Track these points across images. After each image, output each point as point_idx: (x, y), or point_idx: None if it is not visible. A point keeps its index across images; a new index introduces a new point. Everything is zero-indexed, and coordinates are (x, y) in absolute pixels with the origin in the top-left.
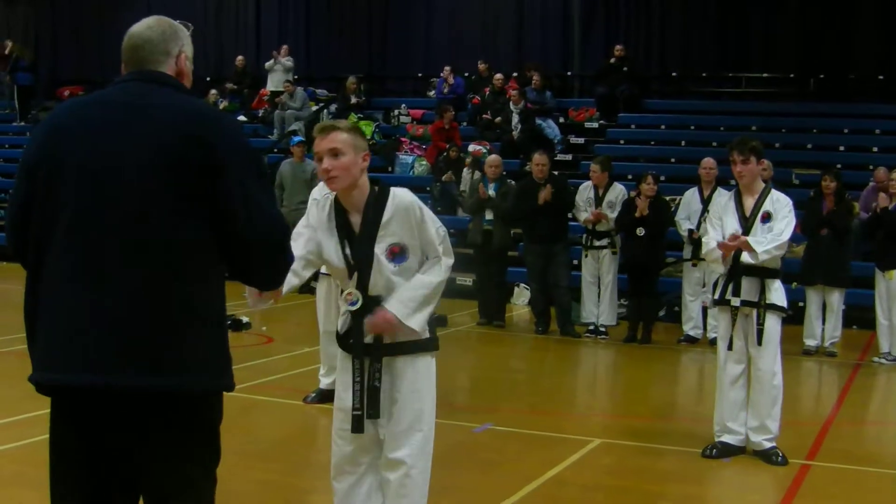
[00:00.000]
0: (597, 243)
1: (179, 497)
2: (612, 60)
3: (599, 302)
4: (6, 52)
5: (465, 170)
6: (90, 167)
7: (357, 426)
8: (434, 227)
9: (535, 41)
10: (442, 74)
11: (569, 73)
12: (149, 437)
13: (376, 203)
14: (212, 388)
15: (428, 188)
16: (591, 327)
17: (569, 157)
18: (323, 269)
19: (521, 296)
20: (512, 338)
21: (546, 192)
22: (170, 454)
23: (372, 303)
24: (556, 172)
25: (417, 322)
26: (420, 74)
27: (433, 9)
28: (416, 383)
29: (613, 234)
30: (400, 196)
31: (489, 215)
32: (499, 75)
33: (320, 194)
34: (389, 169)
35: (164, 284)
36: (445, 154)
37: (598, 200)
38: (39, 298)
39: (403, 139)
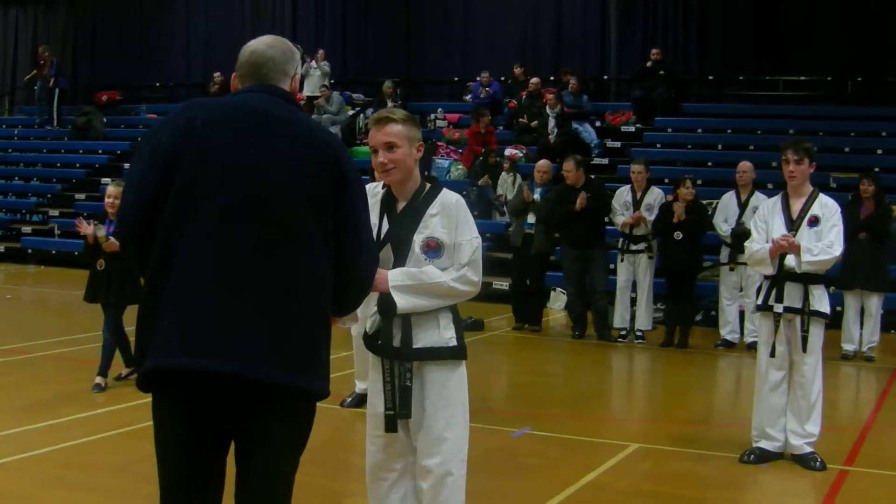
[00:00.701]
0: (633, 247)
1: (278, 488)
2: (649, 64)
3: (636, 306)
4: (41, 59)
5: (503, 174)
6: (238, 167)
7: (390, 426)
8: (469, 234)
9: (572, 45)
10: (479, 78)
11: (605, 77)
12: (264, 428)
13: (427, 195)
14: (324, 392)
15: (464, 192)
16: (624, 332)
17: (605, 160)
18: None
19: (558, 300)
20: (548, 342)
21: (581, 199)
22: (279, 448)
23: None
24: (592, 176)
25: (402, 300)
26: (456, 78)
27: (470, 13)
28: (444, 390)
29: (650, 238)
30: (449, 194)
31: (531, 219)
32: (535, 79)
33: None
34: (426, 173)
35: (305, 288)
36: (482, 158)
37: (636, 204)
38: (168, 288)
39: (440, 143)
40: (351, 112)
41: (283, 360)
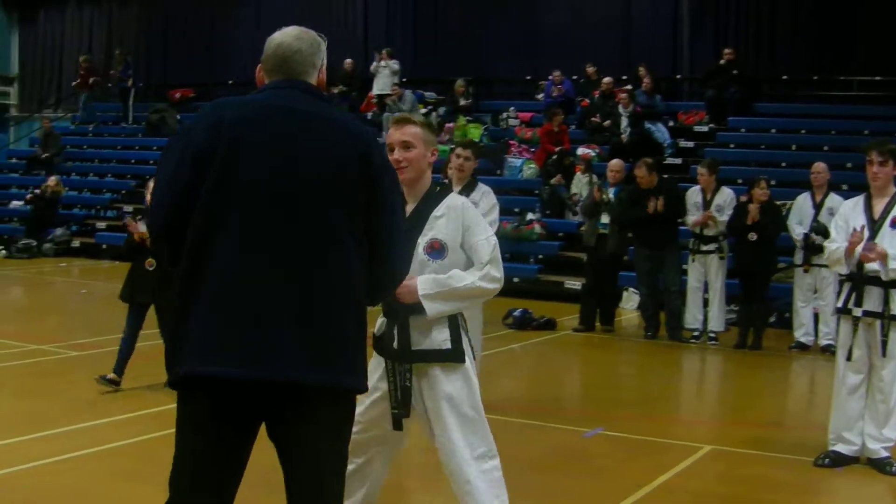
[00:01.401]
0: (704, 248)
1: (328, 484)
2: (722, 62)
3: (708, 307)
4: (81, 69)
5: (577, 173)
6: (267, 166)
7: (397, 425)
8: (484, 234)
9: (643, 44)
10: (551, 77)
11: (678, 76)
12: (304, 429)
13: (434, 198)
14: (361, 387)
15: (536, 191)
16: (696, 333)
17: (678, 160)
18: None
19: (630, 300)
20: (620, 342)
21: (659, 204)
22: (322, 446)
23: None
24: (665, 176)
25: (433, 308)
26: (529, 77)
27: (542, 11)
28: (443, 393)
29: (721, 238)
30: (457, 197)
31: (604, 219)
32: (608, 78)
33: None
34: (498, 172)
35: (338, 286)
36: (554, 157)
37: (707, 204)
38: (200, 291)
39: (512, 142)
40: (423, 110)
41: (316, 359)
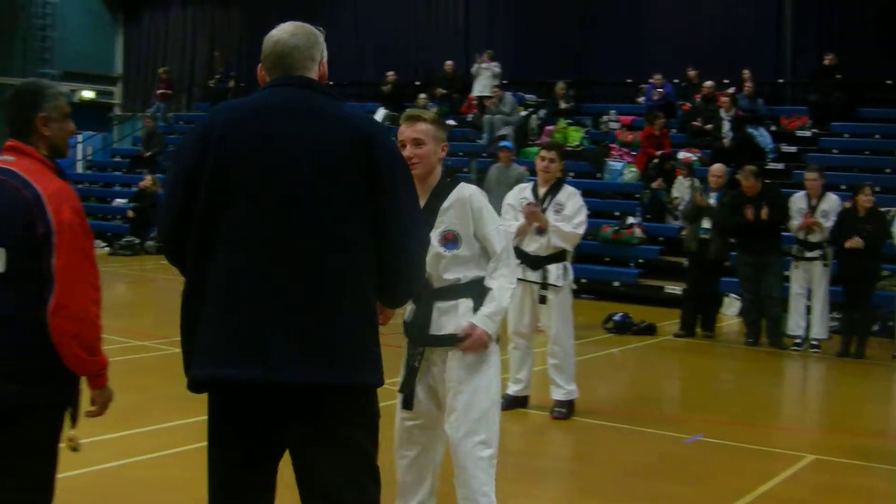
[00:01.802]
0: (808, 254)
1: (349, 488)
2: (826, 63)
3: (810, 314)
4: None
5: (679, 177)
6: (263, 168)
7: (406, 403)
8: (493, 224)
9: (745, 47)
10: (651, 80)
11: (780, 81)
12: (323, 429)
13: (442, 191)
14: (369, 382)
15: (637, 195)
16: (798, 340)
17: (780, 166)
18: (518, 274)
19: (731, 306)
20: (721, 348)
21: (763, 212)
22: (342, 445)
23: (422, 288)
24: (767, 181)
25: (495, 333)
26: (629, 80)
27: (643, 14)
28: (462, 375)
29: (825, 245)
30: (463, 188)
31: (705, 223)
32: (709, 82)
33: (515, 199)
34: (598, 175)
35: (339, 283)
36: (655, 161)
37: (812, 210)
38: (207, 297)
39: (612, 145)
40: (523, 113)
41: (312, 358)
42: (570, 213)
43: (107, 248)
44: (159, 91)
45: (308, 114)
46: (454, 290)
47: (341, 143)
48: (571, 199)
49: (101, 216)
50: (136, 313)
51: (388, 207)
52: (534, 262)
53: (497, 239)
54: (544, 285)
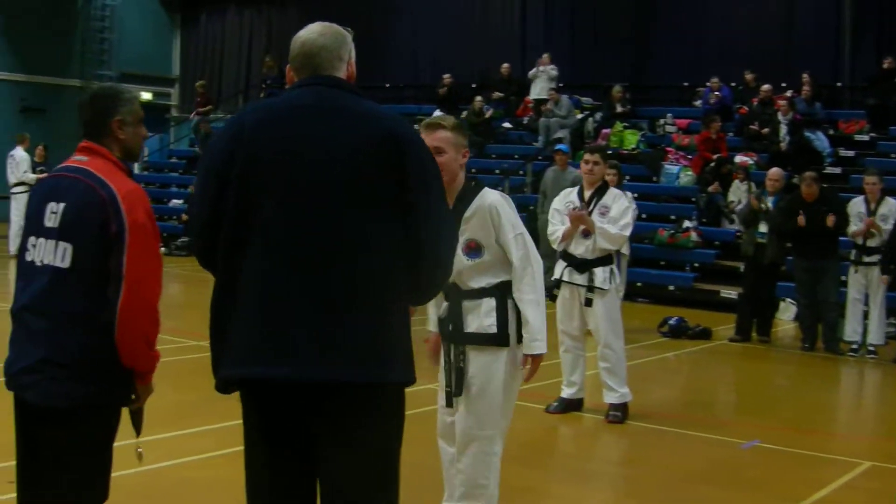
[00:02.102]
0: (866, 259)
1: (361, 490)
2: (885, 66)
3: (868, 320)
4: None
5: (736, 181)
6: (290, 169)
7: (448, 401)
8: (512, 232)
9: (803, 51)
10: (708, 84)
11: (838, 84)
12: (342, 428)
13: (465, 198)
14: (394, 379)
15: (693, 199)
16: (855, 346)
17: (838, 170)
18: (565, 277)
19: (787, 311)
20: (776, 353)
21: (829, 220)
22: (359, 446)
23: (450, 289)
24: (825, 185)
25: (545, 344)
26: (686, 84)
27: (700, 17)
28: (482, 371)
29: (884, 249)
30: (486, 196)
31: (762, 227)
32: (767, 86)
33: (561, 203)
34: (654, 178)
35: (363, 284)
36: (712, 165)
37: (871, 214)
38: (236, 298)
39: (669, 149)
40: (580, 116)
41: (339, 357)
42: (616, 216)
43: (163, 249)
44: (197, 106)
45: (335, 113)
46: (479, 293)
47: (368, 142)
48: (617, 202)
49: (158, 217)
50: (190, 314)
51: (418, 205)
52: (580, 264)
53: (514, 248)
54: (590, 288)
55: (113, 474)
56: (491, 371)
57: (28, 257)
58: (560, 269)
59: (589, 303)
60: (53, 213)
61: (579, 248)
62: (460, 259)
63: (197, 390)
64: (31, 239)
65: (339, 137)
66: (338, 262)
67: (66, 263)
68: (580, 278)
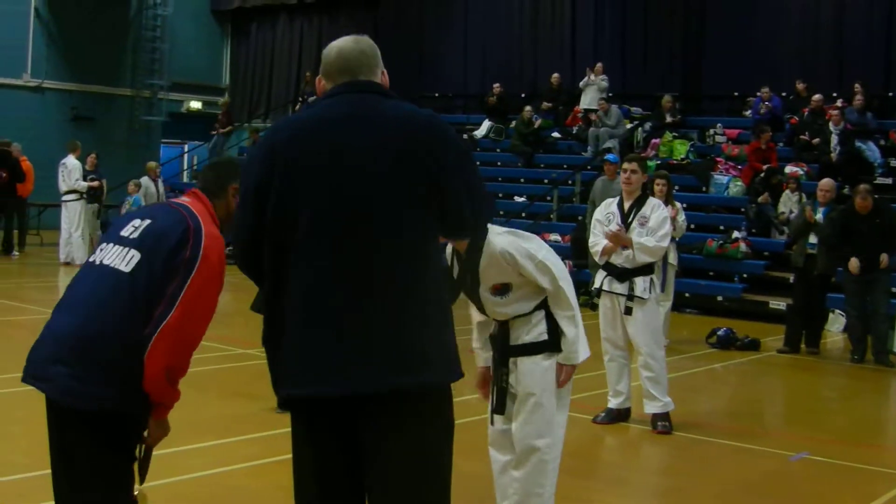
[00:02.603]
0: None
1: (416, 494)
2: None
3: None
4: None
5: (786, 192)
6: (323, 183)
7: (491, 419)
8: (531, 263)
9: (854, 60)
10: (759, 94)
11: (890, 94)
12: (391, 434)
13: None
14: (437, 382)
15: (742, 209)
16: None
17: (889, 180)
18: (605, 286)
19: (836, 322)
20: (825, 365)
21: (883, 260)
22: (409, 448)
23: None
24: (877, 196)
25: (584, 353)
26: (736, 94)
27: (750, 27)
28: (535, 379)
29: None
30: (492, 244)
31: (812, 238)
32: (818, 95)
33: (602, 214)
34: (703, 189)
35: (409, 289)
36: (762, 175)
37: None
38: (285, 314)
39: (719, 159)
40: (629, 126)
41: (381, 367)
42: (654, 226)
43: None
44: (219, 126)
45: (369, 122)
46: (521, 318)
47: (401, 141)
48: (656, 212)
49: None
50: (239, 321)
51: (458, 193)
52: (621, 273)
53: (540, 276)
54: (630, 297)
55: (163, 480)
56: (546, 380)
57: (91, 258)
58: (600, 278)
59: (629, 311)
60: (135, 227)
61: (619, 258)
62: (490, 301)
63: (244, 398)
64: (102, 245)
65: (373, 147)
66: (376, 277)
67: (127, 268)
68: (620, 287)
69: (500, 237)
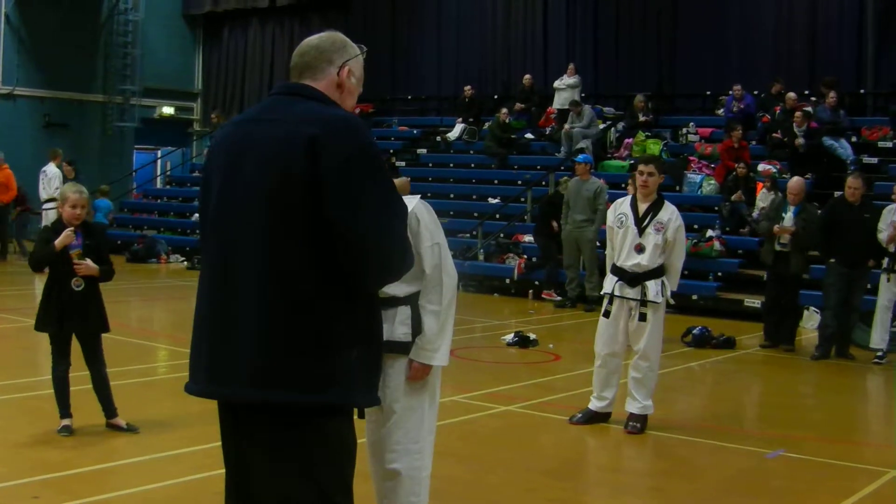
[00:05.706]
0: None
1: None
2: None
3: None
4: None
5: (762, 190)
6: (223, 182)
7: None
8: (430, 241)
9: (827, 58)
10: (731, 92)
11: (862, 91)
12: (263, 449)
13: None
14: (314, 402)
15: (716, 207)
16: (881, 354)
17: None
18: (616, 291)
19: (811, 319)
20: (801, 362)
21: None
22: (278, 467)
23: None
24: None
25: (442, 357)
26: (709, 92)
27: (722, 26)
28: (400, 381)
29: None
30: (413, 206)
31: (784, 238)
32: (792, 94)
33: (613, 217)
34: (677, 188)
35: (285, 301)
36: (734, 173)
37: None
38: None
39: (692, 158)
40: (602, 126)
41: (254, 375)
42: (672, 237)
43: (185, 263)
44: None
45: (268, 125)
46: (392, 302)
47: (288, 156)
48: (672, 222)
49: (181, 231)
50: None
51: (342, 217)
52: (632, 279)
53: (429, 257)
54: (643, 302)
55: (148, 486)
56: (415, 391)
57: None
58: (611, 283)
59: (643, 317)
60: None
61: (630, 262)
62: None
63: None
64: None
65: (266, 153)
66: (254, 287)
67: None
68: (632, 292)
69: (415, 200)
